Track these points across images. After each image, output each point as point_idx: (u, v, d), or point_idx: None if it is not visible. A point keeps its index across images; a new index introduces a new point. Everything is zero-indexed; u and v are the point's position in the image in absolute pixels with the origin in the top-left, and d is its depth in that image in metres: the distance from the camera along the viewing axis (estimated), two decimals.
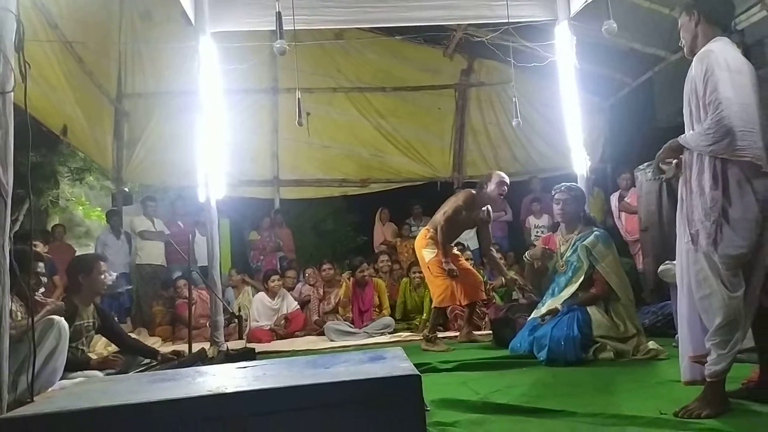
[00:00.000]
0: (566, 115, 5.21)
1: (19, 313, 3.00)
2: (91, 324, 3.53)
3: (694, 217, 2.20)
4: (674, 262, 3.80)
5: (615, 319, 3.50)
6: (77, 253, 6.72)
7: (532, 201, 7.61)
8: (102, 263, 3.62)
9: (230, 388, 1.49)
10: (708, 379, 2.15)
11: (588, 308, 3.51)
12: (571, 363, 3.29)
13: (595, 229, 3.70)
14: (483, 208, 4.64)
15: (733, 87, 2.13)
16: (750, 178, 2.12)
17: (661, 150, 2.36)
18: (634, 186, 5.74)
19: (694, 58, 2.25)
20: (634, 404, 2.32)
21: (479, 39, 6.73)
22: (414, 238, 7.91)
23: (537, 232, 7.21)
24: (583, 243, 3.58)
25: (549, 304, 3.68)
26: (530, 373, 3.18)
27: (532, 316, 3.81)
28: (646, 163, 5.09)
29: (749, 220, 2.11)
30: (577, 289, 3.58)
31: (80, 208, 7.97)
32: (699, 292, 2.19)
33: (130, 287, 6.97)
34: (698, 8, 2.30)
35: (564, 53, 5.08)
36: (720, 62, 2.15)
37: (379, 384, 1.48)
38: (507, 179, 4.54)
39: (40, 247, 5.51)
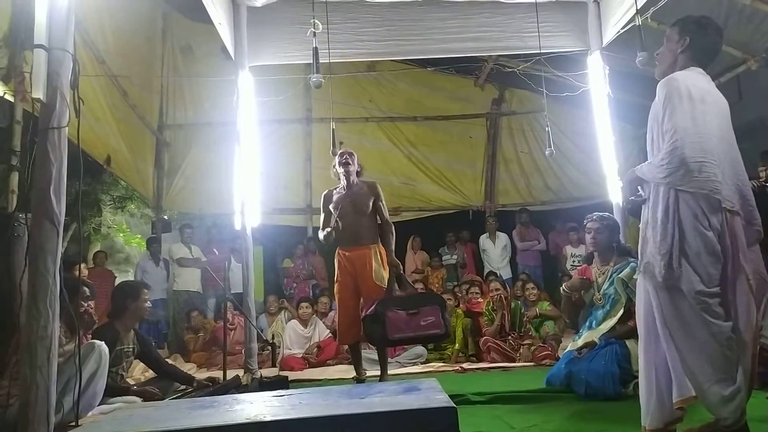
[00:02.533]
0: (600, 143, 5.18)
1: (63, 338, 3.11)
2: (130, 349, 3.62)
3: (646, 249, 2.12)
4: None
5: None
6: (117, 279, 6.92)
7: (570, 230, 7.52)
8: (146, 290, 3.74)
9: (268, 417, 1.51)
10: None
11: (627, 342, 3.43)
12: (609, 398, 3.21)
13: (632, 260, 3.62)
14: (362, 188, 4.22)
15: (692, 116, 2.06)
16: (707, 212, 2.04)
17: (623, 184, 2.32)
18: None
19: (658, 85, 2.19)
20: None
21: (511, 69, 6.79)
22: (445, 266, 7.94)
23: (574, 261, 7.10)
24: (620, 276, 3.51)
25: (585, 337, 3.60)
26: (567, 408, 3.11)
27: (568, 348, 3.74)
28: None
29: (706, 256, 2.02)
30: (616, 323, 3.50)
31: (121, 235, 8.21)
32: (674, 329, 2.08)
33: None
34: (692, 37, 2.23)
35: (597, 82, 5.08)
36: (681, 89, 2.09)
37: (415, 416, 1.48)
38: (341, 153, 4.26)
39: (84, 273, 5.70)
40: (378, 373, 4.87)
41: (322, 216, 4.29)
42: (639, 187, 2.30)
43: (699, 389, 2.07)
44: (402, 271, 4.19)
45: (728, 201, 2.09)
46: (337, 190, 4.28)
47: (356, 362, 4.27)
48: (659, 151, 2.14)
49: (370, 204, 4.19)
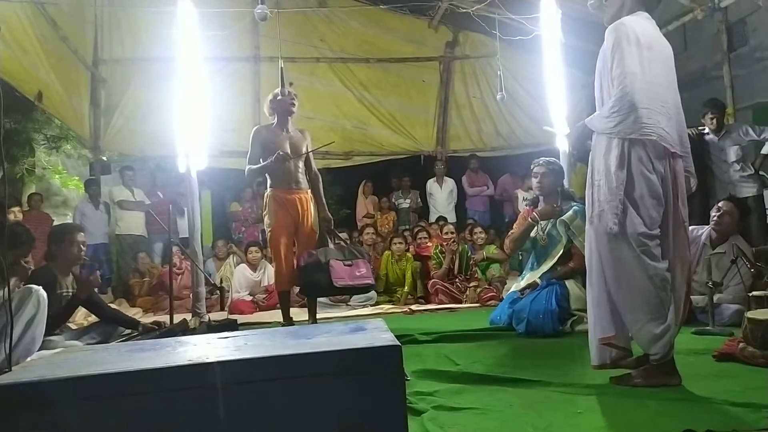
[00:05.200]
0: (550, 89, 5.21)
1: None
2: (70, 294, 3.50)
3: (600, 196, 2.15)
4: None
5: None
6: (55, 222, 6.63)
7: (524, 176, 7.65)
8: (78, 233, 3.56)
9: (211, 358, 1.49)
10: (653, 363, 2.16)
11: (566, 282, 3.58)
12: (548, 335, 3.37)
13: (574, 204, 3.74)
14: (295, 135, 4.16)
15: (640, 62, 2.08)
16: (652, 157, 2.09)
17: (571, 136, 2.34)
18: None
19: (607, 30, 2.19)
20: (608, 374, 2.38)
21: (465, 10, 6.65)
22: (396, 209, 8.00)
23: (526, 204, 7.27)
24: (562, 218, 3.63)
25: (528, 277, 3.74)
26: (508, 345, 3.25)
27: (512, 289, 3.87)
28: None
29: (649, 199, 2.09)
30: (555, 263, 3.64)
31: (57, 177, 7.76)
32: (614, 272, 2.15)
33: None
34: None
35: (549, 27, 5.05)
36: (630, 35, 2.10)
37: (360, 354, 1.49)
38: (276, 92, 4.16)
39: (13, 215, 5.42)
40: (328, 316, 4.98)
41: (253, 152, 4.07)
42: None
43: (632, 327, 2.18)
44: (333, 226, 4.29)
45: (676, 146, 2.15)
46: (271, 129, 4.16)
47: (287, 309, 4.24)
48: (609, 98, 2.15)
49: (304, 149, 4.17)
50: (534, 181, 3.85)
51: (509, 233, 4.07)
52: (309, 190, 4.17)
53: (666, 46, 2.23)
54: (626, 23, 2.14)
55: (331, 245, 4.11)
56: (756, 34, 6.73)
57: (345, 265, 3.97)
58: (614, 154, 2.12)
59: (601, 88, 2.22)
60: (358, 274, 4.01)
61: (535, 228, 3.77)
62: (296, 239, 4.12)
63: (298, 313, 5.29)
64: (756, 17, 6.56)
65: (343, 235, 5.76)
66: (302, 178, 4.14)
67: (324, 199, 4.27)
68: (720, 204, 3.70)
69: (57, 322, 3.29)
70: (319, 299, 5.33)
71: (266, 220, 4.11)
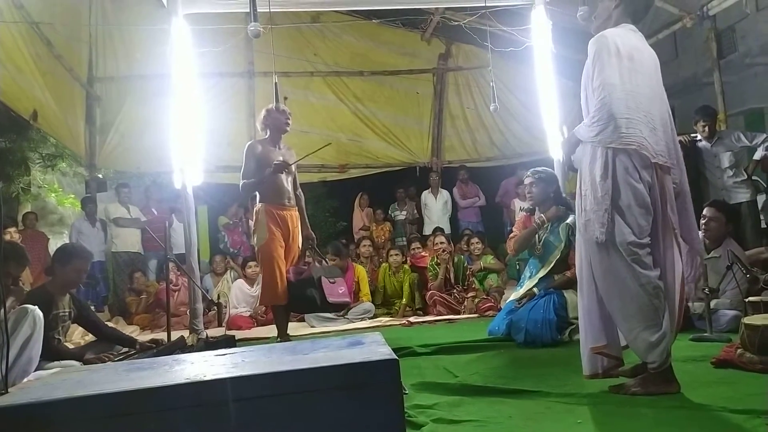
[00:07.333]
0: (542, 99, 5.25)
1: None
2: (66, 314, 3.48)
3: (586, 206, 2.17)
4: None
5: None
6: (51, 241, 6.62)
7: (518, 184, 7.68)
8: (86, 264, 3.54)
9: (209, 376, 1.48)
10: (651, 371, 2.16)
11: (564, 291, 3.58)
12: (547, 345, 3.36)
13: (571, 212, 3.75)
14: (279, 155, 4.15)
15: (620, 73, 2.10)
16: (638, 166, 2.11)
17: (563, 145, 2.37)
18: None
19: (589, 43, 2.22)
20: (607, 384, 2.38)
21: (456, 23, 6.71)
22: (393, 221, 8.01)
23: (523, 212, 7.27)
24: (566, 222, 3.64)
25: (525, 286, 3.74)
26: (507, 356, 3.24)
27: (510, 298, 3.87)
28: None
29: (636, 208, 2.10)
30: (552, 272, 3.65)
31: (53, 195, 7.75)
32: (605, 281, 2.16)
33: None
34: None
35: (540, 38, 5.10)
36: (610, 47, 2.13)
37: (357, 369, 1.49)
38: (270, 107, 4.20)
39: (10, 235, 5.40)
40: (327, 329, 4.97)
41: (248, 166, 4.06)
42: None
43: (627, 336, 2.18)
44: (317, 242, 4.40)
45: (660, 156, 2.16)
46: (265, 144, 4.19)
47: (285, 323, 4.27)
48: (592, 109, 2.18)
49: (294, 163, 4.23)
50: (527, 193, 3.89)
51: (510, 236, 4.06)
52: (296, 208, 4.24)
53: (650, 57, 2.26)
54: (607, 35, 2.18)
55: (324, 262, 4.23)
56: (744, 41, 6.82)
57: (330, 283, 4.12)
58: (598, 164, 2.14)
59: (586, 99, 2.25)
60: (340, 291, 4.16)
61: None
62: (285, 255, 4.14)
63: (296, 328, 5.29)
64: (744, 24, 6.65)
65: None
66: (292, 194, 4.20)
67: (306, 218, 4.34)
68: (704, 211, 3.73)
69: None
70: (316, 313, 5.37)
71: (257, 234, 4.12)
